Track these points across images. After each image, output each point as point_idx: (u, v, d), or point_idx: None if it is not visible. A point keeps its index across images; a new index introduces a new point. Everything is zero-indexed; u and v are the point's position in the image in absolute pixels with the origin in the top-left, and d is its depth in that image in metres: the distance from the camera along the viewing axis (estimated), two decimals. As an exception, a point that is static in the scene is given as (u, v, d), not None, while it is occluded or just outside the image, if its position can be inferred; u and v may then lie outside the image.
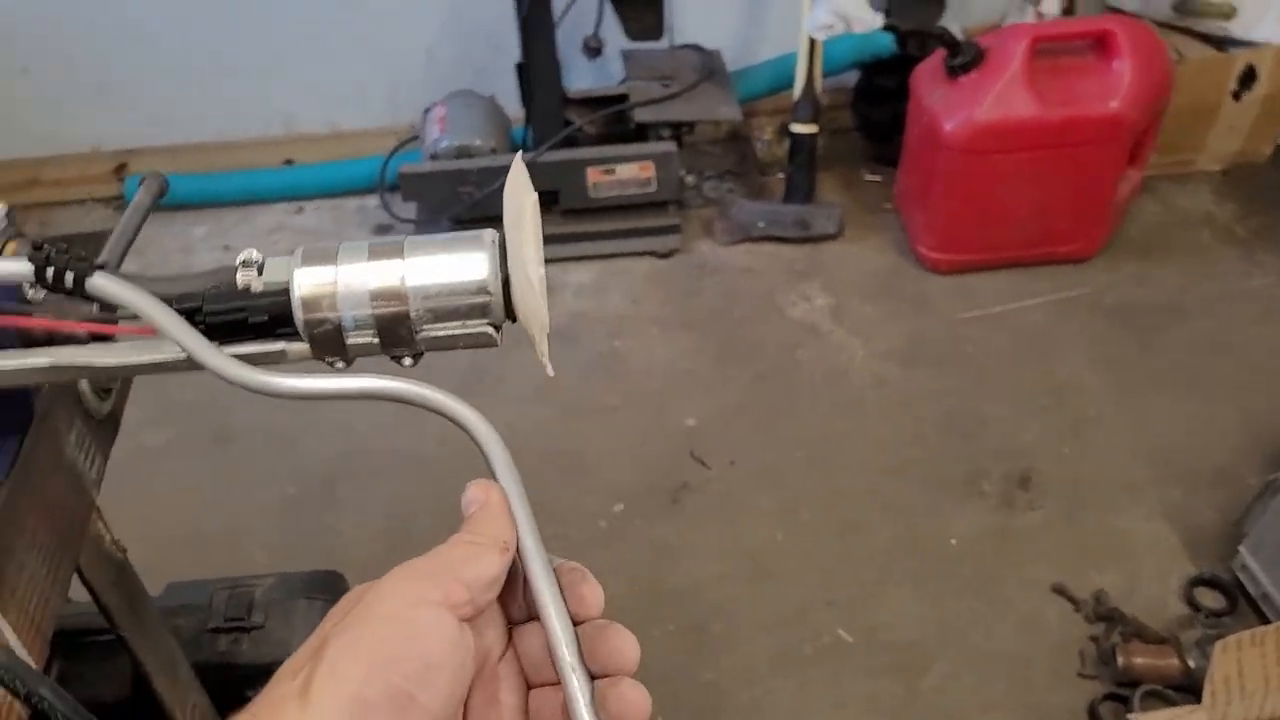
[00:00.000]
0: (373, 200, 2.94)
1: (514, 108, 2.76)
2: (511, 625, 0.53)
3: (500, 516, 0.52)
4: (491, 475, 0.52)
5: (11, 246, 0.53)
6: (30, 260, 0.52)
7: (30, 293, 0.53)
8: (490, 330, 0.54)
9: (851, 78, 2.94)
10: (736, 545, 2.04)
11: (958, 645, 1.86)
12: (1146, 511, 2.04)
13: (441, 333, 0.54)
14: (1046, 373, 2.35)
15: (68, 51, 2.86)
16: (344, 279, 0.52)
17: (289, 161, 3.08)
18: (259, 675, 1.32)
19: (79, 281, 0.52)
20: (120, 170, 3.04)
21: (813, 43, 2.49)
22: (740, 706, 1.80)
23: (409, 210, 2.76)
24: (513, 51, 2.65)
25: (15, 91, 2.89)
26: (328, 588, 1.41)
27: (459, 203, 2.60)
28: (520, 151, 0.53)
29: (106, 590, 0.97)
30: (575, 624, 0.50)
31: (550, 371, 0.56)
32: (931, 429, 2.24)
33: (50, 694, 0.69)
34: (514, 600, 0.52)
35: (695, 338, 2.51)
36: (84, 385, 0.89)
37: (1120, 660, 1.76)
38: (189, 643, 1.29)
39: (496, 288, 0.53)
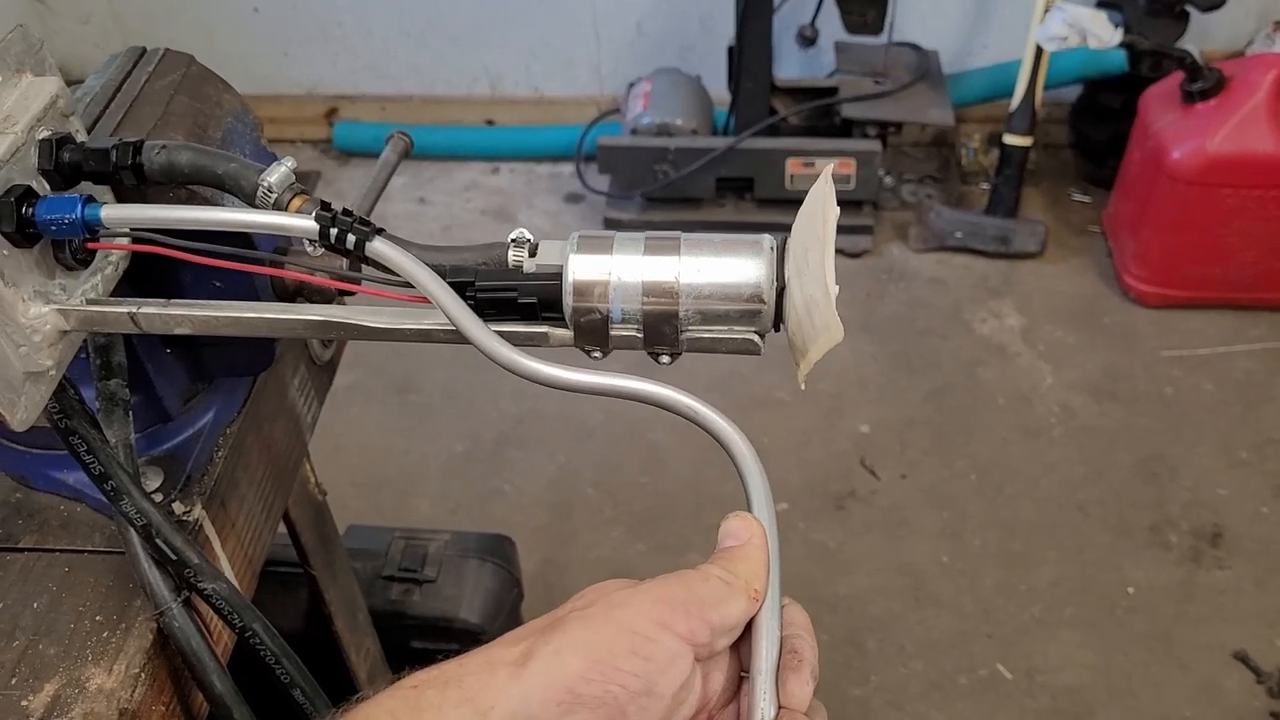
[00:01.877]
0: (568, 168, 2.96)
1: (719, 90, 2.74)
2: (742, 676, 0.52)
3: (759, 561, 0.51)
4: (748, 507, 0.50)
5: (296, 202, 0.53)
6: (316, 220, 0.52)
7: (310, 249, 0.54)
8: (755, 338, 0.52)
9: (1071, 92, 2.80)
10: (899, 562, 1.99)
11: (1124, 700, 1.77)
12: (1350, 588, 1.90)
13: (706, 335, 0.52)
14: (1252, 425, 2.20)
15: (297, -4, 2.97)
16: (618, 270, 0.51)
17: (490, 122, 3.13)
18: (425, 628, 1.35)
19: (359, 245, 0.52)
20: (331, 115, 3.15)
21: (1039, 53, 2.38)
22: (885, 728, 1.75)
23: (602, 182, 2.77)
24: (724, 33, 2.63)
25: (243, 29, 3.02)
26: (498, 551, 1.43)
27: (654, 180, 2.60)
28: (832, 165, 0.50)
29: (305, 530, 1.01)
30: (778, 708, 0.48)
31: (803, 386, 0.54)
32: (1118, 469, 2.13)
33: (262, 630, 0.71)
34: (749, 649, 0.51)
35: (875, 343, 2.45)
36: (312, 331, 0.91)
37: (1305, 744, 1.64)
38: (364, 587, 1.32)
39: (770, 296, 0.51)
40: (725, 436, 0.50)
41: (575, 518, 2.08)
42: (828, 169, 0.50)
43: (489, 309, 0.53)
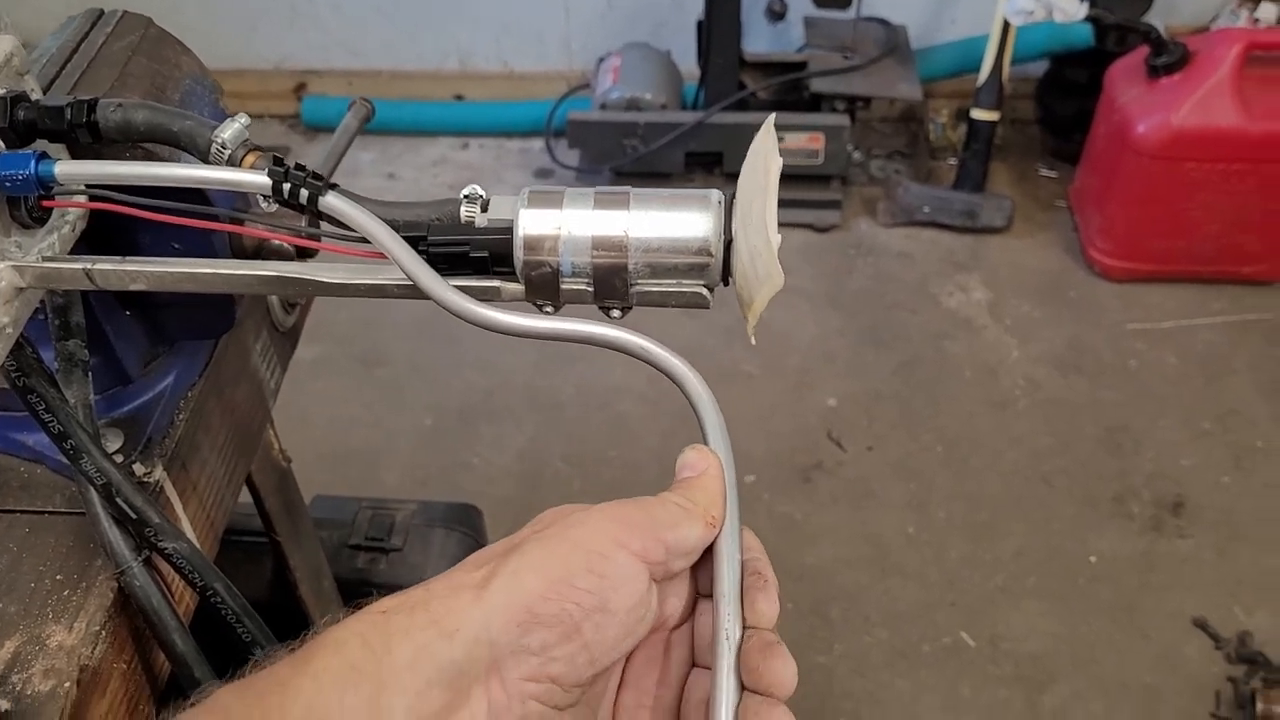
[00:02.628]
0: (537, 143, 2.96)
1: (688, 65, 2.74)
2: (698, 598, 0.53)
3: (715, 489, 0.51)
4: (704, 440, 0.50)
5: (250, 158, 0.54)
6: (269, 175, 0.53)
7: (264, 205, 0.54)
8: (704, 291, 0.53)
9: (1037, 68, 2.83)
10: (864, 533, 2.01)
11: (1086, 667, 1.80)
12: (1307, 556, 1.94)
13: (655, 289, 0.53)
14: (1214, 397, 2.23)
15: (264, -32, 2.95)
16: (568, 224, 0.52)
17: (459, 97, 3.12)
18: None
19: (313, 199, 0.53)
20: (299, 90, 3.13)
21: (1006, 27, 2.39)
22: (849, 695, 1.78)
23: (572, 157, 2.77)
24: (694, 8, 2.63)
25: (214, 3, 2.99)
26: (466, 521, 1.44)
27: (623, 155, 2.60)
28: (773, 116, 0.51)
29: (270, 495, 1.01)
30: (744, 628, 0.48)
31: (753, 341, 0.55)
32: (1082, 440, 2.16)
33: (224, 590, 0.71)
34: (705, 574, 0.52)
35: (843, 317, 2.47)
36: (273, 299, 0.92)
37: (1259, 706, 1.68)
38: (330, 556, 1.33)
39: (718, 249, 0.52)
40: (677, 373, 0.51)
41: (543, 490, 2.09)
42: (768, 120, 0.50)
43: (442, 263, 0.53)
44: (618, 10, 2.92)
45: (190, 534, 0.78)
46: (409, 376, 2.35)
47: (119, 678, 0.69)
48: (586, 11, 2.94)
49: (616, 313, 0.55)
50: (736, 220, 0.51)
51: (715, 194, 0.53)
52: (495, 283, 0.54)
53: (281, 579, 1.13)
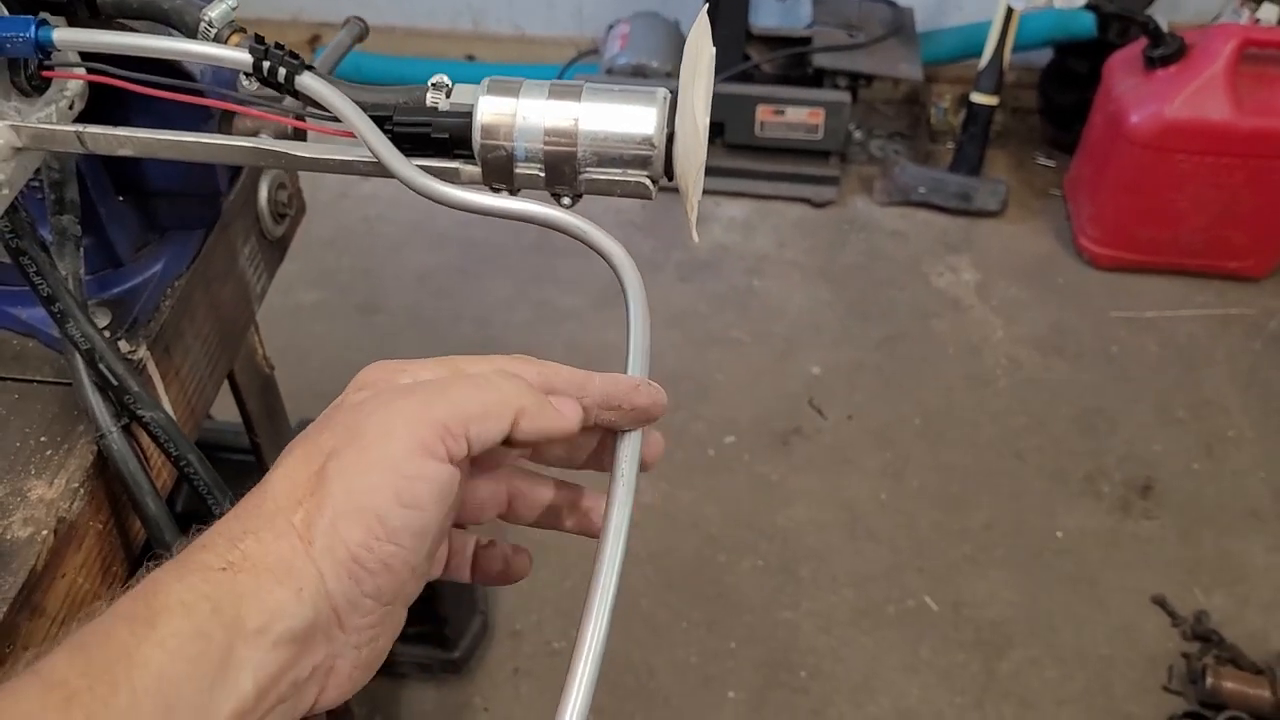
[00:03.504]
0: (544, 107, 2.99)
1: (696, 36, 2.77)
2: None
3: (563, 380, 0.50)
4: (625, 309, 0.54)
5: (234, 38, 0.58)
6: (250, 53, 0.57)
7: (244, 83, 0.59)
8: (648, 182, 0.57)
9: (1041, 58, 2.86)
10: (838, 497, 2.06)
11: (1044, 636, 1.85)
12: (1268, 543, 1.98)
13: (602, 177, 0.57)
14: (1190, 386, 2.27)
15: (284, -80, 2.98)
16: (523, 112, 0.56)
17: (470, 57, 3.16)
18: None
19: (289, 78, 0.57)
20: (313, 42, 3.17)
21: (1009, 13, 2.42)
22: (813, 650, 1.82)
23: (577, 121, 2.80)
24: (705, -21, 2.66)
25: (230, -49, 3.02)
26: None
27: (626, 121, 2.63)
28: (706, 6, 0.55)
29: (252, 398, 1.06)
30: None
31: (695, 237, 0.59)
32: (1058, 420, 2.20)
33: (196, 461, 0.76)
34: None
35: (833, 290, 2.51)
36: (263, 204, 0.96)
37: (1209, 681, 1.72)
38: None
39: (661, 142, 0.56)
40: (605, 247, 0.54)
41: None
42: (703, 12, 0.54)
43: (405, 143, 0.57)
44: (630, -22, 2.96)
45: (170, 413, 0.83)
46: (405, 326, 2.39)
47: (94, 536, 0.73)
48: (599, -22, 2.98)
49: (567, 200, 0.59)
50: (678, 115, 0.55)
51: (662, 91, 0.57)
52: (455, 164, 0.58)
53: (262, 490, 1.18)
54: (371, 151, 0.56)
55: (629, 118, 0.56)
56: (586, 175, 0.57)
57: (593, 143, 0.56)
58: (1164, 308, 2.44)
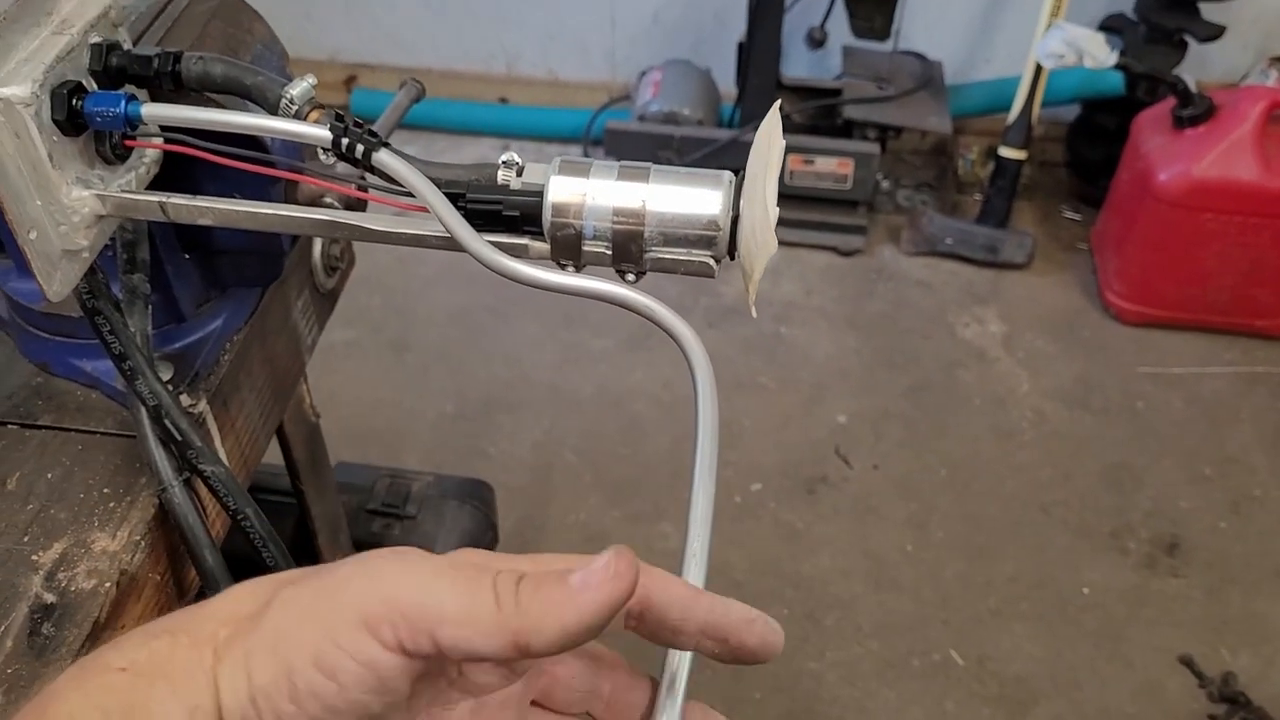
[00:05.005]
0: (576, 149, 3.03)
1: (727, 84, 2.81)
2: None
3: (574, 607, 0.38)
4: (694, 400, 0.54)
5: (314, 114, 0.60)
6: (330, 129, 0.59)
7: (323, 157, 0.61)
8: (711, 262, 0.59)
9: (1069, 112, 2.88)
10: (864, 547, 2.06)
11: (1069, 693, 1.84)
12: (1296, 604, 1.97)
13: (667, 256, 0.59)
14: (1216, 443, 2.27)
15: (323, -38, 3.04)
16: (593, 192, 0.58)
17: (504, 100, 3.20)
18: (403, 562, 1.42)
19: (367, 154, 0.59)
20: (349, 82, 3.22)
21: (1038, 70, 2.45)
22: (836, 701, 1.82)
23: (607, 166, 2.84)
24: (737, 28, 2.70)
25: (272, -8, 3.08)
26: (478, 495, 1.50)
27: (657, 166, 2.66)
28: (778, 102, 0.57)
29: (298, 446, 1.07)
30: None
31: (754, 313, 0.61)
32: (1084, 475, 2.20)
33: (254, 515, 0.78)
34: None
35: (859, 338, 2.52)
36: (316, 259, 0.98)
37: (1236, 744, 1.71)
38: (349, 518, 1.39)
39: (726, 224, 0.58)
40: (677, 330, 0.55)
41: (555, 481, 2.15)
42: (775, 106, 0.56)
43: (477, 219, 0.59)
44: (662, 26, 3.00)
45: (226, 464, 0.85)
46: (435, 364, 2.42)
47: (153, 586, 0.75)
48: (632, 26, 3.02)
49: (631, 276, 0.61)
50: (743, 198, 0.57)
51: (727, 174, 0.59)
52: (524, 240, 0.60)
53: (300, 537, 1.19)
54: (445, 227, 0.58)
55: (695, 199, 0.58)
56: (652, 254, 0.59)
57: (660, 223, 0.58)
58: (1190, 364, 2.44)
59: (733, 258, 0.60)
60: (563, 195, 0.58)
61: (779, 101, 0.58)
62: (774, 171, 0.54)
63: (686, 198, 0.58)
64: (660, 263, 0.59)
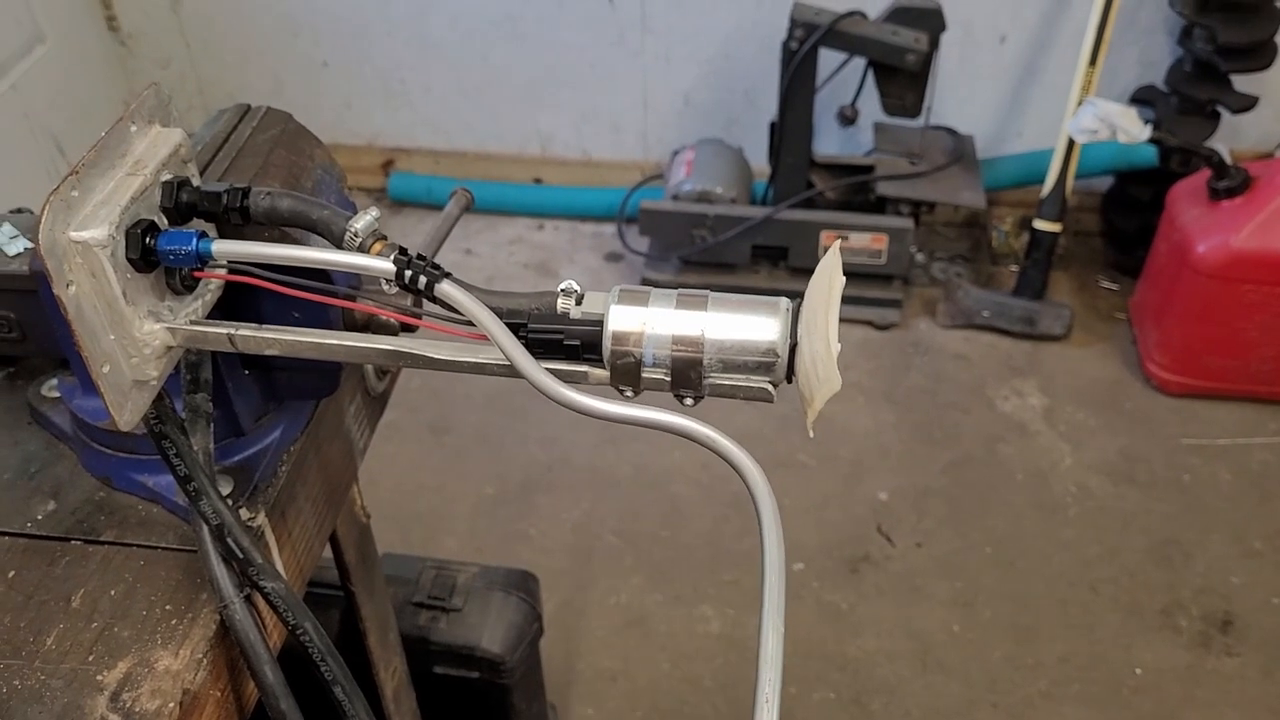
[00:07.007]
0: (609, 229, 3.07)
1: (759, 162, 2.84)
2: None
3: None
4: (758, 522, 0.55)
5: (377, 246, 0.62)
6: (394, 262, 0.61)
7: (385, 287, 0.62)
8: (769, 387, 0.60)
9: (1101, 182, 2.88)
10: (909, 627, 2.03)
11: (1125, 778, 1.80)
12: (1356, 684, 1.92)
13: (725, 382, 0.60)
14: (1266, 516, 2.23)
15: (364, 51, 3.11)
16: (652, 321, 0.59)
17: (538, 180, 3.25)
18: (449, 654, 1.42)
19: (430, 286, 0.60)
20: (387, 166, 3.28)
21: (1071, 144, 2.46)
22: (887, 789, 1.79)
23: (642, 244, 2.87)
24: (768, 108, 2.73)
25: (315, 82, 3.17)
26: (523, 586, 1.50)
27: (691, 245, 2.69)
28: (839, 241, 0.58)
29: (350, 548, 1.08)
30: None
31: (811, 434, 0.61)
32: (1132, 551, 2.17)
33: (312, 629, 0.78)
34: None
35: (898, 413, 2.51)
36: (369, 367, 1.00)
37: (1302, 833, 1.66)
38: (394, 611, 1.40)
39: (784, 351, 0.58)
40: (740, 465, 0.56)
41: (595, 564, 2.14)
42: (835, 244, 0.57)
43: (538, 348, 0.61)
44: (694, 107, 3.05)
45: (283, 575, 0.85)
46: (474, 447, 2.43)
47: (214, 703, 0.75)
48: (664, 106, 3.07)
49: (689, 400, 0.62)
50: (801, 327, 0.58)
51: (784, 302, 0.59)
52: (584, 368, 0.61)
53: (348, 631, 1.20)
54: (507, 357, 0.59)
55: (753, 326, 0.59)
56: (711, 380, 0.60)
57: (719, 351, 0.59)
58: (1236, 435, 2.41)
59: (789, 381, 0.60)
60: (623, 324, 0.59)
61: (839, 241, 0.59)
62: (834, 307, 0.55)
63: (744, 325, 0.59)
64: (718, 388, 0.60)
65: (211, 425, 0.76)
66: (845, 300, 2.19)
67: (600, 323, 0.59)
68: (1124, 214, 2.81)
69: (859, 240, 2.61)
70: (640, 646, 2.00)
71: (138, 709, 0.70)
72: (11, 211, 0.89)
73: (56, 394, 0.88)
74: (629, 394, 0.61)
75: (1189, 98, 2.52)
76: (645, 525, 2.23)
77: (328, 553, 1.13)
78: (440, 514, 2.25)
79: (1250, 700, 1.91)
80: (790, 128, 2.61)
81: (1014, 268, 2.84)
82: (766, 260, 2.74)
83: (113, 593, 0.77)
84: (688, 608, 2.06)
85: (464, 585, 1.44)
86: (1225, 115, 2.54)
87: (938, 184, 2.65)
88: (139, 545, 0.81)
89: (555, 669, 1.70)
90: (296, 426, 0.88)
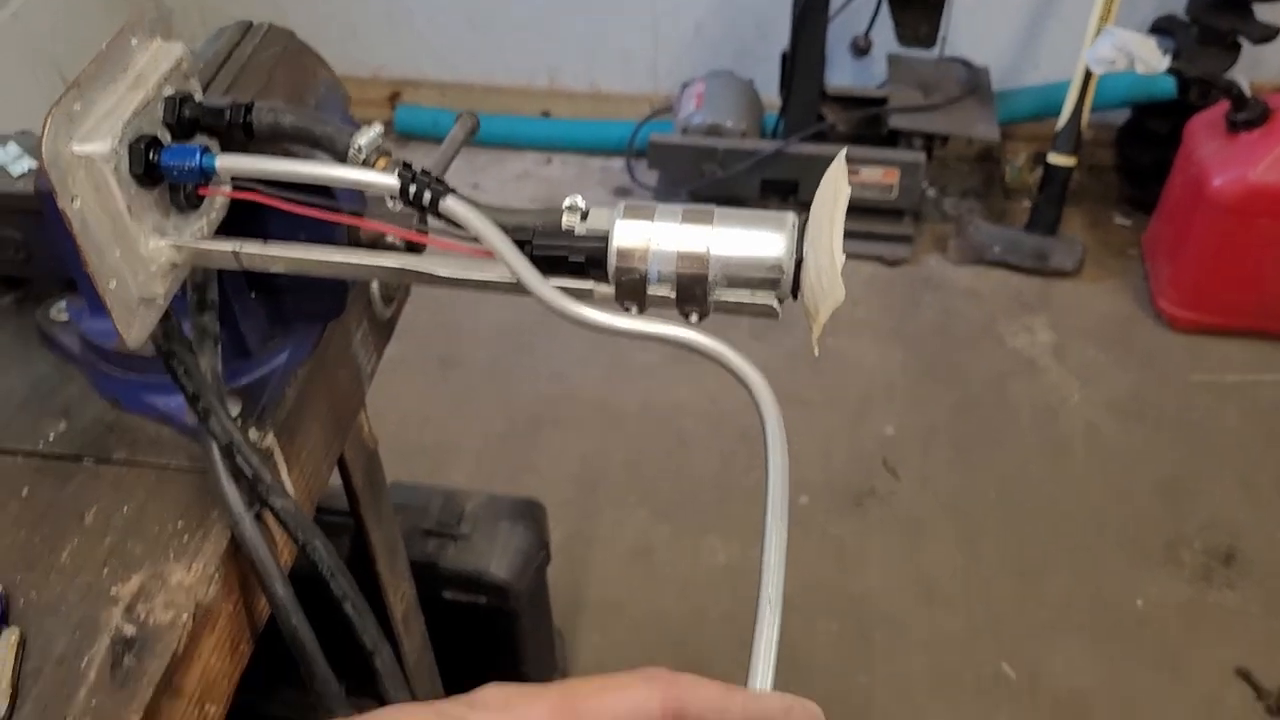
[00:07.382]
0: (618, 163, 3.04)
1: (770, 94, 2.81)
2: None
3: (707, 704, 0.41)
4: (764, 438, 0.55)
5: (381, 162, 0.61)
6: (399, 177, 0.60)
7: (390, 204, 0.62)
8: (775, 303, 0.60)
9: (1118, 116, 2.85)
10: (913, 561, 2.05)
11: (1124, 708, 1.82)
12: (1357, 617, 1.94)
13: (731, 298, 0.60)
14: (1274, 455, 2.24)
15: (368, -21, 3.08)
16: (657, 236, 0.58)
17: (546, 113, 3.22)
18: (457, 580, 1.44)
19: (434, 201, 0.60)
20: (394, 98, 3.26)
21: (1088, 75, 2.43)
22: (888, 716, 1.81)
23: (651, 178, 2.85)
24: (780, 39, 2.69)
25: (315, 8, 3.13)
26: (530, 515, 1.51)
27: (700, 179, 2.67)
28: (844, 149, 0.58)
29: (357, 473, 1.09)
30: None
31: (816, 352, 0.61)
32: (1137, 487, 2.18)
33: (321, 546, 0.79)
34: None
35: (906, 350, 2.51)
36: (374, 291, 1.00)
37: (1298, 761, 1.69)
38: (403, 538, 1.41)
39: (789, 266, 0.58)
40: (749, 378, 0.56)
41: (601, 497, 2.16)
42: (841, 153, 0.57)
43: (543, 265, 0.60)
44: (704, 37, 3.01)
45: (293, 496, 0.86)
46: (483, 381, 2.44)
47: (226, 617, 0.77)
48: (674, 37, 3.03)
49: (694, 317, 0.61)
50: (807, 241, 0.57)
51: (790, 216, 0.59)
52: (589, 284, 0.61)
53: (357, 557, 1.21)
54: (513, 273, 0.59)
55: (759, 242, 0.58)
56: (716, 296, 0.59)
57: (724, 266, 0.58)
58: (1246, 372, 2.41)
59: (795, 298, 0.60)
60: (628, 240, 0.59)
61: (844, 150, 0.58)
62: (839, 218, 0.54)
63: (750, 240, 0.58)
64: (724, 305, 0.60)
65: (219, 345, 0.77)
66: (855, 236, 2.19)
67: (605, 239, 0.59)
68: (1140, 148, 2.78)
69: (871, 174, 2.59)
70: (646, 577, 2.02)
71: (151, 621, 0.71)
72: (18, 134, 0.88)
73: (65, 316, 0.88)
74: (634, 310, 0.61)
75: (1209, 27, 2.47)
76: (652, 459, 2.24)
77: (336, 481, 1.15)
78: (448, 447, 2.26)
79: (1250, 632, 1.93)
80: (802, 59, 2.58)
81: (1026, 203, 2.81)
82: (777, 194, 2.72)
83: (125, 510, 0.78)
84: (694, 540, 2.08)
85: (471, 513, 1.46)
86: (1246, 46, 2.49)
87: (950, 116, 2.62)
88: (150, 464, 0.81)
89: (562, 598, 1.72)
90: (303, 350, 0.88)
